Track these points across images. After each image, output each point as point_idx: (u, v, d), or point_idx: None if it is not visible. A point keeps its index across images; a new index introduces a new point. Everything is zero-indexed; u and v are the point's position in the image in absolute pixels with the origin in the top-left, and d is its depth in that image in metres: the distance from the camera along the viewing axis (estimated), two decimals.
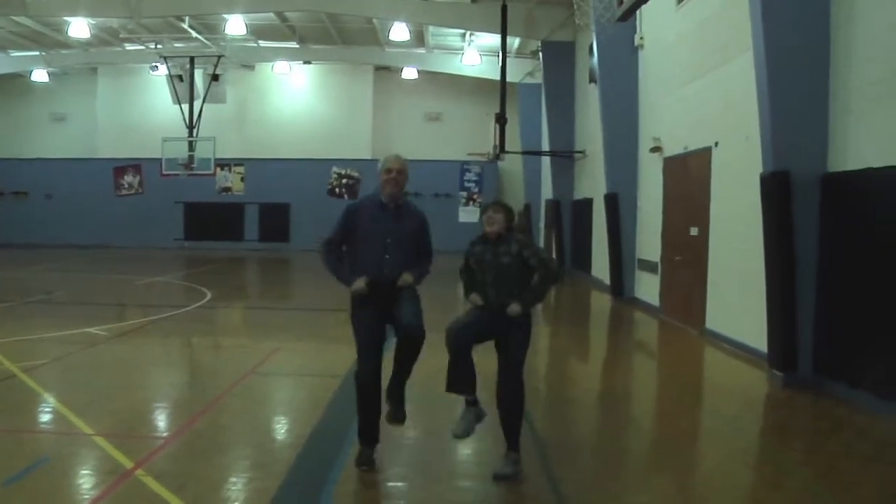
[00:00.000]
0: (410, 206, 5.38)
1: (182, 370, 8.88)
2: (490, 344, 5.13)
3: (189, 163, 24.90)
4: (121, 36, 26.18)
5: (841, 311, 7.42)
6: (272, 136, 31.24)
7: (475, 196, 30.32)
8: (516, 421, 5.07)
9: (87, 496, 4.56)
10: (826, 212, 7.66)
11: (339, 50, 28.56)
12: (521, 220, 29.79)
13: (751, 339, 9.17)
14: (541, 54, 22.69)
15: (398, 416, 5.26)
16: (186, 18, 23.69)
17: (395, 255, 5.11)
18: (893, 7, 6.70)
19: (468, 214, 29.03)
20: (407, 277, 5.10)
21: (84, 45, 27.64)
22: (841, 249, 7.45)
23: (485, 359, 5.22)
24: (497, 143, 21.34)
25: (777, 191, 7.79)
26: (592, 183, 18.47)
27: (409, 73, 30.47)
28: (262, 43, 28.24)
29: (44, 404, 6.71)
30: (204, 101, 25.19)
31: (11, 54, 29.14)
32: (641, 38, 14.54)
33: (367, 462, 5.10)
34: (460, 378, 5.03)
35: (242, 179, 30.96)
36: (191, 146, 24.89)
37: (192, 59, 25.00)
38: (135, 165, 30.78)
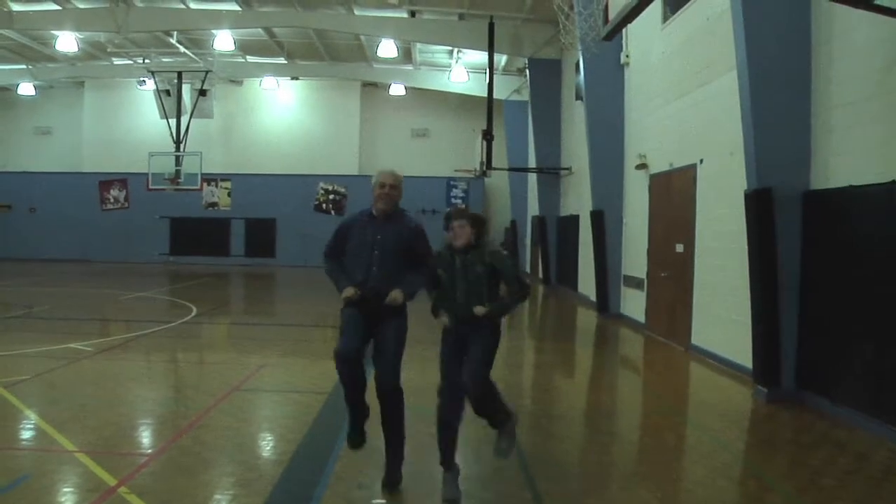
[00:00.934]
0: (403, 218, 5.25)
1: (166, 386, 8.82)
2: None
3: (175, 177, 24.82)
4: (108, 50, 26.14)
5: (823, 326, 7.51)
6: (259, 152, 31.25)
7: None
8: (490, 407, 5.00)
9: None
10: (808, 228, 7.76)
11: (326, 66, 28.65)
12: (508, 237, 29.90)
13: (736, 354, 9.23)
14: (527, 71, 22.86)
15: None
16: (174, 33, 23.73)
17: (382, 268, 5.04)
18: (872, 27, 6.82)
19: None
20: (395, 295, 4.95)
21: (71, 58, 27.61)
22: (823, 266, 7.54)
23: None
24: (483, 159, 21.43)
25: (760, 208, 7.88)
26: (578, 199, 18.57)
27: (397, 89, 30.59)
28: (250, 58, 28.30)
29: (25, 421, 6.64)
30: (191, 116, 25.16)
31: None
32: (627, 56, 14.69)
33: (357, 443, 5.13)
34: (448, 445, 5.02)
35: (229, 194, 30.90)
36: (177, 161, 24.82)
37: (179, 74, 24.99)
38: (121, 180, 30.67)
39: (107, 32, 22.80)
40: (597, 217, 15.26)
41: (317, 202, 30.28)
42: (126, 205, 30.86)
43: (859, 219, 6.97)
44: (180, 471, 5.33)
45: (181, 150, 24.89)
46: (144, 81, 27.56)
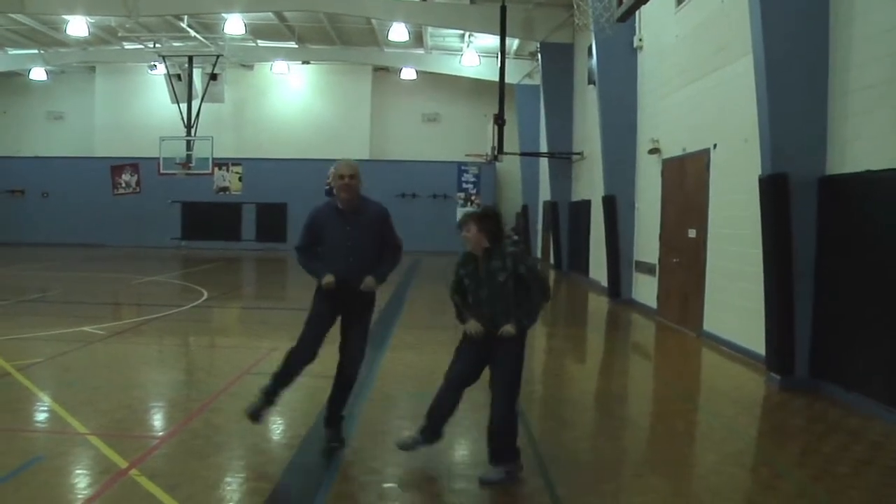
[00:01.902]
0: (369, 205, 5.47)
1: (178, 370, 8.85)
2: None
3: (187, 162, 24.86)
4: (119, 35, 26.15)
5: (837, 314, 7.43)
6: (270, 136, 31.24)
7: (473, 197, 30.30)
8: (500, 443, 4.90)
9: (80, 495, 4.53)
10: (824, 214, 7.66)
11: (337, 50, 28.55)
12: (519, 222, 29.83)
13: (748, 341, 9.17)
14: (539, 56, 22.70)
15: (337, 440, 5.42)
16: (185, 18, 23.68)
17: (358, 259, 5.30)
18: (892, 9, 6.70)
19: None
20: (369, 282, 5.26)
21: (82, 43, 27.62)
22: (838, 252, 7.46)
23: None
24: (495, 144, 21.33)
25: (775, 193, 7.79)
26: (590, 184, 18.47)
27: (408, 73, 30.47)
28: (261, 43, 28.23)
29: (38, 403, 6.68)
30: (202, 101, 25.17)
31: (9, 52, 29.11)
32: (640, 39, 14.54)
33: (257, 416, 5.43)
34: (435, 416, 5.04)
35: (240, 179, 30.95)
36: (189, 145, 24.86)
37: (190, 59, 24.99)
38: (132, 164, 30.74)
39: (117, 17, 22.80)
40: (609, 202, 15.17)
41: (328, 187, 29.87)
42: (138, 189, 30.94)
43: (876, 204, 6.87)
44: (191, 454, 5.34)
45: (192, 134, 24.92)
46: (155, 66, 27.59)
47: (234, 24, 23.91)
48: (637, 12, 11.37)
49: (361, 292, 5.28)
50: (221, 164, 29.37)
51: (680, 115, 12.25)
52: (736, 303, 9.70)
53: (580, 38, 20.35)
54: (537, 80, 24.12)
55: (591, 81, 17.50)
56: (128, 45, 28.20)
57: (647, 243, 13.96)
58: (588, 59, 18.06)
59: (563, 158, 21.74)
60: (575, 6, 17.09)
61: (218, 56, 25.06)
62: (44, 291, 15.33)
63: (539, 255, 26.98)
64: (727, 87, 10.21)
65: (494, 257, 4.88)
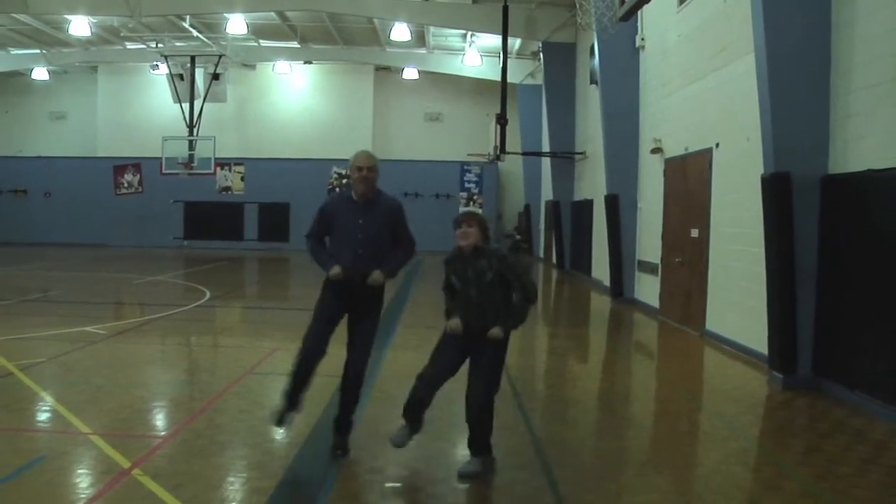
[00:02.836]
0: (383, 198, 5.42)
1: (180, 369, 8.85)
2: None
3: (189, 162, 24.88)
4: (121, 34, 26.17)
5: (840, 312, 7.42)
6: (272, 136, 31.26)
7: (475, 197, 30.31)
8: (478, 435, 5.00)
9: (83, 495, 4.53)
10: (826, 213, 7.65)
11: (339, 50, 28.57)
12: (522, 221, 29.82)
13: (751, 340, 9.16)
14: (541, 55, 22.71)
15: (342, 448, 5.38)
16: (187, 17, 23.69)
17: (367, 251, 5.23)
18: (895, 9, 6.68)
19: None
20: (376, 276, 5.18)
21: (85, 43, 27.65)
22: (841, 251, 7.45)
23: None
24: (497, 143, 21.33)
25: (778, 192, 7.78)
26: (593, 184, 18.46)
27: (410, 73, 30.46)
28: (263, 42, 28.25)
29: (41, 403, 6.68)
30: (204, 101, 25.18)
31: (12, 52, 29.14)
32: (642, 39, 14.54)
33: (283, 422, 5.36)
34: (415, 411, 5.07)
35: (242, 179, 30.97)
36: (191, 145, 24.87)
37: (192, 59, 24.99)
38: (135, 164, 30.76)
39: (120, 17, 22.80)
40: (611, 201, 15.17)
41: (330, 186, 30.26)
42: (140, 189, 30.97)
43: (879, 203, 6.86)
44: (194, 453, 5.34)
45: (195, 134, 24.93)
46: (158, 66, 27.57)
47: (237, 24, 23.92)
48: (639, 12, 11.37)
49: (369, 287, 5.22)
50: (224, 163, 29.39)
51: (682, 114, 12.24)
52: (738, 302, 9.69)
53: (582, 38, 20.34)
54: (539, 79, 24.12)
55: (593, 81, 17.50)
56: (130, 45, 28.23)
57: (649, 243, 13.95)
58: (590, 59, 18.04)
59: (565, 158, 21.74)
60: (577, 6, 17.03)
61: (220, 56, 25.08)
62: (46, 291, 15.34)
63: (541, 254, 26.98)
64: (729, 86, 10.19)
65: (481, 256, 4.96)
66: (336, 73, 31.44)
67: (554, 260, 23.52)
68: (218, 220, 30.66)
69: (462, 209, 28.60)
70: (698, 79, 11.49)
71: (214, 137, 25.23)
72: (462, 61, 27.69)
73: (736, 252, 9.81)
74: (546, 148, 23.80)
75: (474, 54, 26.89)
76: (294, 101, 31.87)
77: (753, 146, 8.71)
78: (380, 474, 5.04)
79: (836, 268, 7.51)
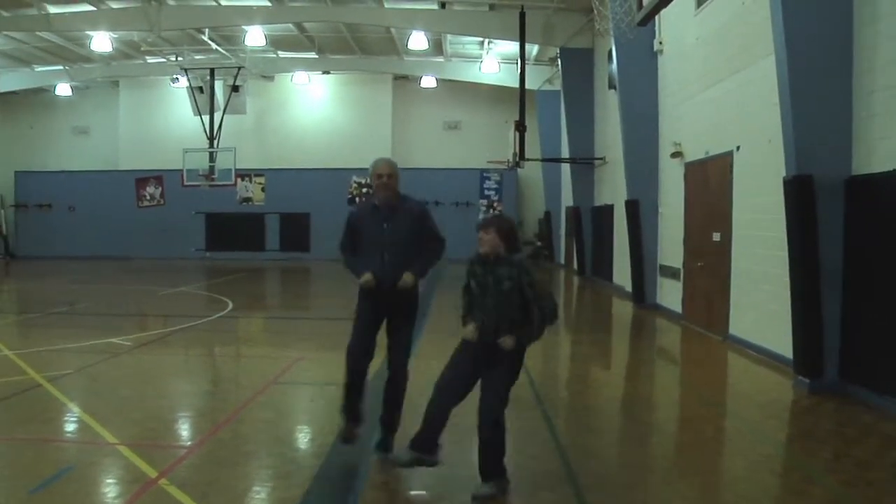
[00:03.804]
0: (407, 203, 5.50)
1: (204, 380, 8.92)
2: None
3: (210, 173, 25.09)
4: (142, 49, 26.45)
5: (867, 315, 7.32)
6: (292, 146, 31.41)
7: (495, 204, 30.28)
8: (487, 458, 4.80)
9: None
10: (851, 215, 7.57)
11: (357, 60, 28.68)
12: (542, 228, 29.74)
13: (775, 345, 9.07)
14: (559, 61, 22.66)
15: (384, 447, 5.45)
16: (206, 31, 23.91)
17: (394, 257, 5.31)
18: None
19: None
20: (407, 278, 5.26)
21: (106, 58, 27.97)
22: (866, 253, 7.36)
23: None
24: (516, 150, 21.31)
25: (800, 195, 7.70)
26: (613, 189, 18.39)
27: (428, 81, 30.51)
28: (282, 54, 28.42)
29: (68, 414, 6.76)
30: (224, 113, 25.41)
31: (36, 69, 29.53)
32: (661, 42, 14.48)
33: (349, 438, 5.40)
34: (428, 438, 4.88)
35: (263, 189, 31.14)
36: (211, 157, 25.08)
37: (212, 71, 25.23)
38: (156, 177, 31.05)
39: (140, 31, 23.08)
40: (632, 206, 15.10)
41: (350, 196, 30.37)
42: (162, 201, 31.24)
43: None
44: (219, 463, 5.37)
45: (215, 146, 25.14)
46: (177, 79, 27.85)
47: (255, 36, 24.11)
48: (657, 16, 11.33)
49: (402, 291, 5.29)
50: (244, 174, 29.60)
51: (702, 117, 12.17)
52: (762, 306, 9.60)
53: (600, 43, 20.30)
54: (558, 85, 24.06)
55: (611, 86, 17.45)
56: (150, 59, 28.51)
57: (670, 247, 13.87)
58: (608, 64, 18.01)
59: (585, 163, 21.67)
60: (595, 11, 17.08)
61: (239, 68, 25.28)
62: (72, 304, 15.52)
63: (562, 260, 26.87)
64: (749, 89, 10.13)
65: (503, 264, 4.84)
66: (354, 83, 31.57)
67: (575, 266, 23.42)
68: (239, 231, 30.84)
69: (481, 216, 28.60)
70: (718, 81, 11.43)
71: (235, 149, 25.41)
72: (480, 69, 27.70)
73: (759, 256, 9.73)
74: (565, 154, 23.74)
75: (492, 61, 26.90)
76: (313, 112, 32.03)
77: (775, 149, 8.64)
78: (405, 483, 5.03)
79: (862, 269, 7.42)
